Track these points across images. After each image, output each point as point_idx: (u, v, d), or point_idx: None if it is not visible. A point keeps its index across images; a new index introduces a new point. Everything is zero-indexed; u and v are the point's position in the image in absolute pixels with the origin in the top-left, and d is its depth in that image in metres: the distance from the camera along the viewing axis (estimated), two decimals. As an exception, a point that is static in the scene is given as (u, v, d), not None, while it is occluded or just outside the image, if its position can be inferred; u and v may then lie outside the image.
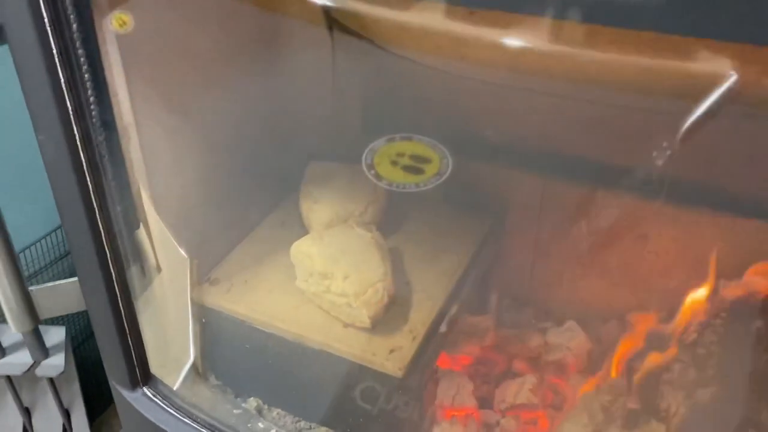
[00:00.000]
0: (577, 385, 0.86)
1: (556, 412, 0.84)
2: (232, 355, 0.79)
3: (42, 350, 0.92)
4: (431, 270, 0.78)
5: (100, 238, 0.67)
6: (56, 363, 0.96)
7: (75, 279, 0.76)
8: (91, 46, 0.60)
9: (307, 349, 0.73)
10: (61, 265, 1.07)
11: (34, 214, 0.99)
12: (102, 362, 1.12)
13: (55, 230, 1.04)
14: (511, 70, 0.70)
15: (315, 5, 0.77)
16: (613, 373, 0.78)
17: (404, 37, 0.78)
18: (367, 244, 0.74)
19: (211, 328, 0.78)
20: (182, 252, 0.76)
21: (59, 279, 0.84)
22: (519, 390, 0.85)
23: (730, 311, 0.76)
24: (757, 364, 0.71)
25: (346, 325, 0.73)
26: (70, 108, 0.59)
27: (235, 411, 0.77)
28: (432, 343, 0.71)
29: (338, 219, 0.79)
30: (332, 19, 0.87)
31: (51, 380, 0.98)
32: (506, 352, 0.90)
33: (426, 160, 0.71)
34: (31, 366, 0.94)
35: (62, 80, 0.58)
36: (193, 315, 0.79)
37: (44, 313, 0.78)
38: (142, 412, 0.72)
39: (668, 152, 0.83)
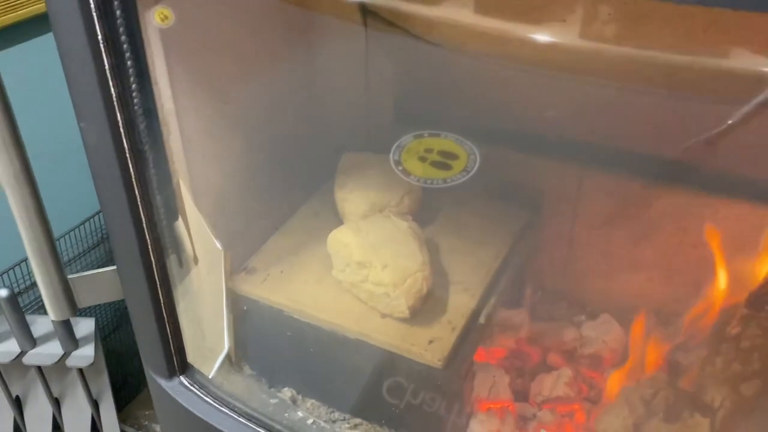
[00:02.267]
0: (614, 378, 0.85)
1: (593, 405, 0.83)
2: (268, 344, 0.79)
3: (72, 341, 0.92)
4: (468, 261, 0.77)
5: (141, 227, 0.67)
6: (86, 354, 0.96)
7: (113, 268, 0.76)
8: (135, 35, 0.60)
9: (343, 339, 0.72)
10: (94, 253, 1.07)
11: (65, 203, 0.99)
12: (128, 353, 1.13)
13: (89, 219, 1.05)
14: (546, 63, 0.69)
15: None
16: (653, 367, 0.77)
17: (439, 27, 0.77)
18: (404, 234, 0.73)
19: (246, 317, 0.78)
20: (218, 243, 0.76)
21: (92, 268, 0.84)
22: (555, 383, 0.84)
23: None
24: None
25: (383, 316, 0.72)
26: (114, 95, 0.59)
27: (271, 401, 0.77)
28: (471, 334, 0.70)
29: (374, 209, 0.78)
30: (367, 10, 0.87)
31: (81, 371, 0.99)
32: (541, 345, 0.89)
33: (454, 156, 0.71)
34: (62, 357, 0.94)
35: (107, 67, 0.58)
36: (228, 305, 0.78)
37: (82, 302, 0.78)
38: (180, 401, 0.72)
39: (708, 143, 0.82)
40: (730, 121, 0.70)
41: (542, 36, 0.55)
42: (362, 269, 0.70)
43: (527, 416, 0.82)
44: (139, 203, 0.66)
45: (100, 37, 0.56)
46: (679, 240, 0.88)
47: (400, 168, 0.70)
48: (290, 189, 0.91)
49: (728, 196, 0.81)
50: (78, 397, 1.04)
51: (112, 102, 0.60)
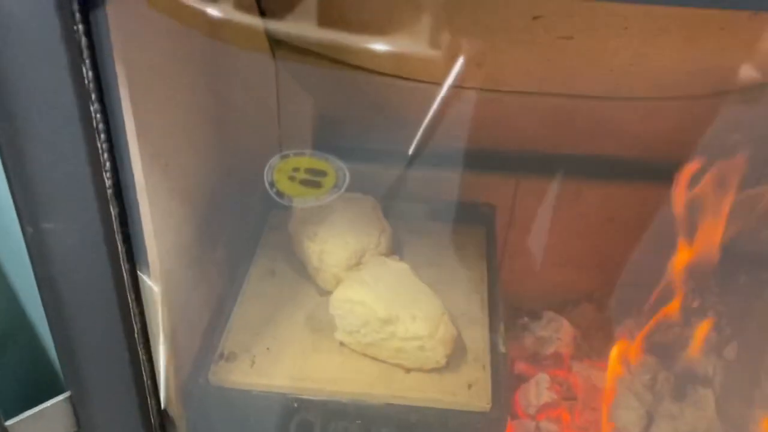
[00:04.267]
0: (584, 372, 0.88)
1: (576, 402, 0.86)
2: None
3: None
4: (458, 291, 0.74)
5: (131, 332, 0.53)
6: None
7: (63, 397, 0.59)
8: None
9: (371, 408, 0.65)
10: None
11: None
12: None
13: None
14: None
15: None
16: (637, 353, 0.81)
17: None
18: (410, 277, 0.68)
19: (238, 413, 0.66)
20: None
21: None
22: (538, 391, 0.85)
23: (714, 271, 0.83)
24: (759, 309, 0.79)
25: (408, 371, 0.66)
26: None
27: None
28: (499, 367, 0.68)
29: (355, 257, 0.71)
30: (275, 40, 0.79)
31: None
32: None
33: (322, 174, 0.68)
34: None
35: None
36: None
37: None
38: None
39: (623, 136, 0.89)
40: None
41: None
42: (387, 326, 0.63)
43: (530, 430, 0.81)
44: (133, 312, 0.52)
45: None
46: (607, 229, 0.93)
47: (274, 190, 0.66)
48: (228, 251, 0.79)
49: (652, 181, 0.88)
50: None
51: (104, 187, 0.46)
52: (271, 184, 0.65)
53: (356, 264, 0.71)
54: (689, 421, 0.73)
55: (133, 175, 0.50)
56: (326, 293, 0.73)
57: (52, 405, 0.60)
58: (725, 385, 0.74)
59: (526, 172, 0.89)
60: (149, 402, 0.59)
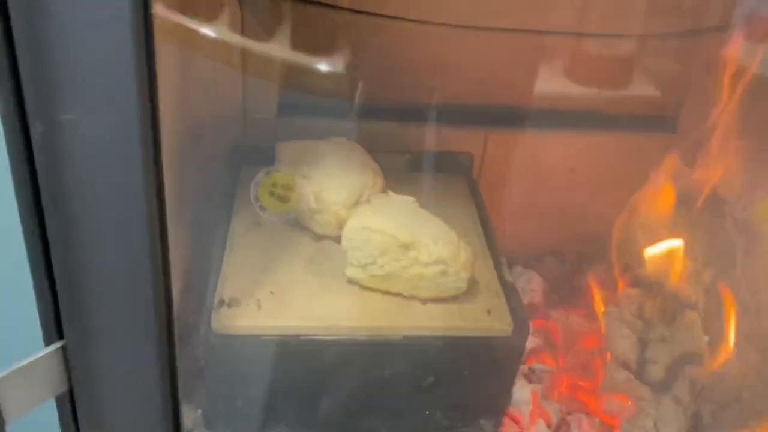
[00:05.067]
0: (562, 319, 0.89)
1: (560, 348, 0.86)
2: (286, 385, 0.63)
3: None
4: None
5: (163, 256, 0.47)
6: None
7: (56, 346, 0.51)
8: None
9: (390, 343, 0.62)
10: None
11: None
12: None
13: None
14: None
15: None
16: (620, 288, 0.83)
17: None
18: (418, 208, 0.66)
19: (248, 361, 0.61)
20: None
21: None
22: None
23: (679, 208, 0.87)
24: (722, 236, 0.83)
25: (424, 303, 0.64)
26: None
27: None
28: (510, 293, 0.67)
29: (353, 196, 0.68)
30: None
31: None
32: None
33: (290, 189, 0.69)
34: None
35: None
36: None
37: (11, 415, 0.50)
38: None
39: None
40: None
41: None
42: (409, 251, 0.61)
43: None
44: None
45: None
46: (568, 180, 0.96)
47: (258, 204, 0.69)
48: (202, 209, 0.73)
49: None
50: None
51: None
52: (256, 199, 0.68)
53: (355, 203, 0.68)
54: (680, 343, 0.75)
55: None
56: (322, 238, 0.69)
57: (40, 357, 0.52)
58: (708, 310, 0.77)
59: (494, 125, 0.89)
60: (168, 352, 0.52)
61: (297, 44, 0.80)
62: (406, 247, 0.60)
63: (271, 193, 0.68)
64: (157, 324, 0.50)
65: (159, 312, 0.50)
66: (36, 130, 0.42)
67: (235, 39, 0.75)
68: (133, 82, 0.40)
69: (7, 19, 0.39)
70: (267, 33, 0.81)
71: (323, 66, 0.72)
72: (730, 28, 0.81)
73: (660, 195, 0.88)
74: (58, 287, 0.49)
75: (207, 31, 0.65)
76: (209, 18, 0.68)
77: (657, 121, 0.91)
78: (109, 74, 0.40)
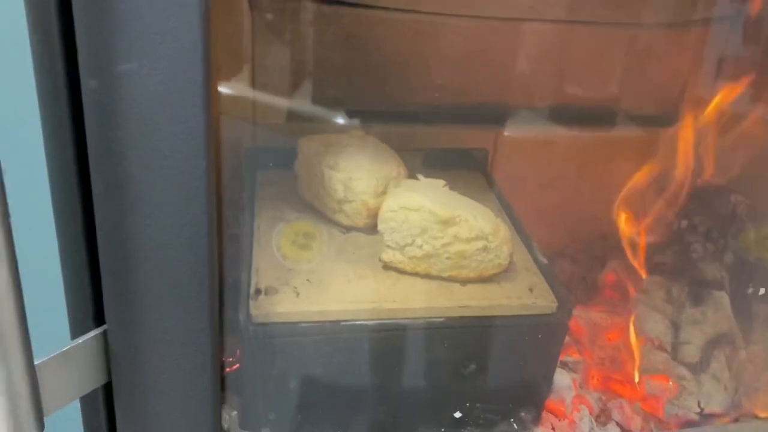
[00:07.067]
0: (583, 316, 0.88)
1: (585, 344, 0.85)
2: (327, 375, 0.60)
3: None
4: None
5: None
6: None
7: (99, 330, 0.49)
8: None
9: (434, 325, 0.60)
10: None
11: None
12: None
13: None
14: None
15: None
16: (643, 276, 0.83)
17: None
18: (449, 190, 0.65)
19: (289, 349, 0.58)
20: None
21: None
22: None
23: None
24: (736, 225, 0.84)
25: (464, 284, 0.62)
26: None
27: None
28: (547, 273, 0.66)
29: (381, 184, 0.67)
30: None
31: None
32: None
33: (312, 237, 0.70)
34: None
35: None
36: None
37: (50, 408, 0.47)
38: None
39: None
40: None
41: None
42: (449, 228, 0.60)
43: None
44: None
45: None
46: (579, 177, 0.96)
47: (280, 253, 0.67)
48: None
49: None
50: None
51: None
52: (278, 248, 0.66)
53: (383, 193, 0.67)
54: (712, 323, 0.74)
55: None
56: (350, 230, 0.68)
57: (81, 343, 0.49)
58: (733, 287, 0.77)
59: (503, 125, 0.90)
60: (216, 336, 0.49)
61: (309, 47, 0.80)
62: (445, 223, 0.59)
63: (293, 242, 0.67)
64: (210, 311, 0.47)
65: (213, 297, 0.48)
66: (89, 86, 0.41)
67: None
68: (198, 25, 0.39)
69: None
70: (280, 40, 0.81)
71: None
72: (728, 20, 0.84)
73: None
74: (102, 265, 0.46)
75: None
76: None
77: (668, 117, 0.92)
78: (174, 18, 0.39)
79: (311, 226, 0.69)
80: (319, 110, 0.84)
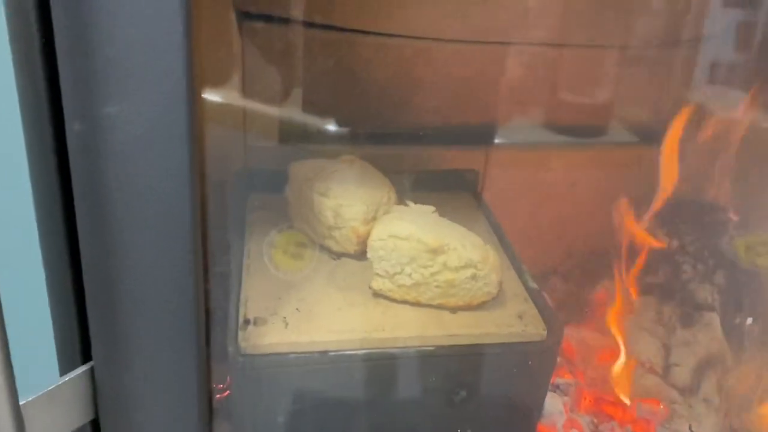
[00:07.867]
0: (574, 335, 0.89)
1: (578, 364, 0.85)
2: (317, 404, 0.60)
3: None
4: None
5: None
6: None
7: (86, 368, 0.48)
8: None
9: (425, 354, 0.60)
10: None
11: None
12: None
13: None
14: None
15: None
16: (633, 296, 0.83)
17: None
18: (438, 217, 0.65)
19: (278, 380, 0.58)
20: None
21: None
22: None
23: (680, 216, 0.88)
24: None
25: (454, 312, 0.62)
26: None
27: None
28: (536, 298, 0.66)
29: (370, 211, 0.67)
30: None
31: None
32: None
33: (303, 246, 0.70)
34: None
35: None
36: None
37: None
38: None
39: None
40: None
41: None
42: (438, 257, 0.60)
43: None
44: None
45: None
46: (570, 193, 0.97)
47: (273, 264, 0.68)
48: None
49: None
50: None
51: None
52: (270, 258, 0.67)
53: (372, 219, 0.67)
54: (703, 344, 0.74)
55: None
56: (340, 256, 0.68)
57: (68, 381, 0.49)
58: (723, 308, 0.77)
59: (493, 143, 0.90)
60: (203, 372, 0.49)
61: (298, 70, 0.80)
62: (434, 252, 0.59)
63: (285, 252, 0.68)
64: (197, 347, 0.47)
65: (199, 333, 0.47)
66: (72, 130, 0.41)
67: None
68: (182, 68, 0.39)
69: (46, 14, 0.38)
70: (268, 62, 0.81)
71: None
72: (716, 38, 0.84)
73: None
74: (88, 302, 0.46)
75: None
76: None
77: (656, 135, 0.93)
78: (158, 61, 0.39)
79: (303, 236, 0.69)
80: (309, 134, 0.84)
